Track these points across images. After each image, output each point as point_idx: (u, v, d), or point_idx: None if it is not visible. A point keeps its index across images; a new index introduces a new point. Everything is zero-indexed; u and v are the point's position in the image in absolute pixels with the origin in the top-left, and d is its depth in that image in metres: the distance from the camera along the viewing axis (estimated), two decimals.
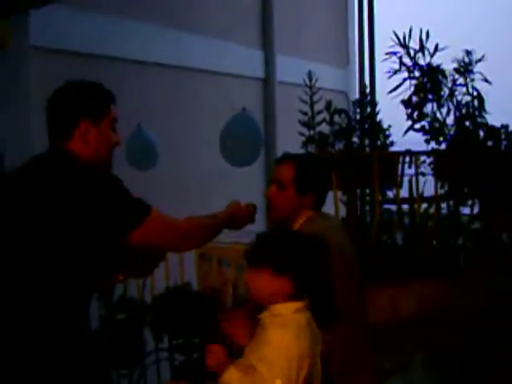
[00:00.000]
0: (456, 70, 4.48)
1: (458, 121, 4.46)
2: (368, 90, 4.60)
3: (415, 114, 4.41)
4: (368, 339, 2.64)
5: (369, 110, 4.41)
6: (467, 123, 4.46)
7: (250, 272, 2.14)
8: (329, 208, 3.58)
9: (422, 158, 4.47)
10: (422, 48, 4.43)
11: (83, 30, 5.76)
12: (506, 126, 4.37)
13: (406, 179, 4.40)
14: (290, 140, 4.57)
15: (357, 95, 5.13)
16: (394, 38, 4.45)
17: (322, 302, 2.22)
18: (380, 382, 2.71)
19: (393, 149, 4.42)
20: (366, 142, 4.38)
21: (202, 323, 3.59)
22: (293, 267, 2.11)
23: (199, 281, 3.77)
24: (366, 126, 4.32)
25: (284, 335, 2.08)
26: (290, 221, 2.56)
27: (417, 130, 4.46)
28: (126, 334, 3.88)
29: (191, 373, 3.54)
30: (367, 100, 4.46)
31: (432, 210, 4.48)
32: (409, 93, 4.40)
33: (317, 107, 4.32)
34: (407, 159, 4.32)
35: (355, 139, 4.26)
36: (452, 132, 4.46)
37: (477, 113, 4.47)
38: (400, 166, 4.32)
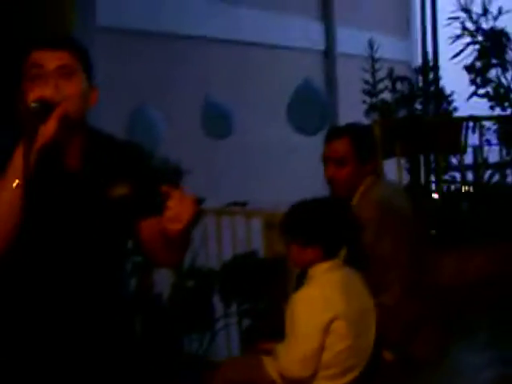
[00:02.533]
0: None
1: None
2: (430, 57, 4.57)
3: (479, 80, 4.36)
4: (432, 301, 2.67)
5: (431, 76, 4.38)
6: None
7: (285, 242, 2.25)
8: (392, 175, 3.62)
9: (487, 124, 4.42)
10: (484, 12, 4.36)
11: (144, 8, 5.88)
12: None
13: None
14: (352, 111, 4.59)
15: (419, 64, 5.09)
16: (456, 2, 4.39)
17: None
18: (447, 343, 2.74)
19: (456, 115, 4.39)
20: (429, 108, 4.36)
21: (268, 288, 3.70)
22: (320, 237, 2.19)
23: (265, 248, 3.86)
24: (429, 93, 4.30)
25: (306, 296, 2.18)
26: (353, 190, 2.57)
27: (481, 96, 4.41)
28: (196, 301, 4.02)
29: (259, 336, 3.65)
30: (429, 66, 4.43)
31: (497, 177, 4.44)
32: (472, 58, 4.35)
33: (378, 76, 4.33)
34: (471, 125, 4.29)
35: (418, 106, 4.25)
36: None
37: None
38: (464, 132, 4.29)
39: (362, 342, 2.23)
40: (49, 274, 1.72)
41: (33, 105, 1.56)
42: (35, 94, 1.58)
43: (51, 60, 1.65)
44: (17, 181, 1.54)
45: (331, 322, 2.14)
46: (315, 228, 2.20)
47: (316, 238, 2.19)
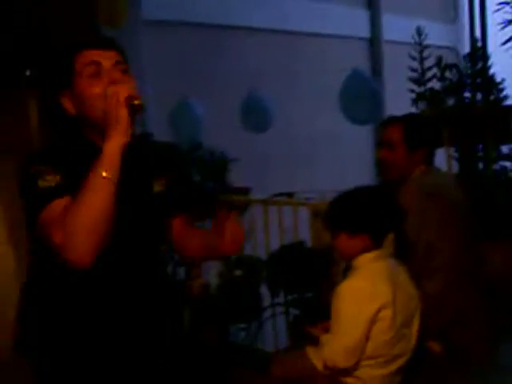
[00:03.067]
0: None
1: None
2: (479, 44, 4.48)
3: None
4: (481, 295, 2.64)
5: (481, 63, 4.30)
6: None
7: (330, 234, 2.26)
8: (441, 165, 3.57)
9: None
10: None
11: (188, 0, 5.92)
12: None
13: None
14: (398, 100, 4.55)
15: (467, 50, 4.99)
16: None
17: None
18: (495, 338, 2.71)
19: (507, 103, 4.29)
20: (479, 96, 4.28)
21: (316, 278, 3.71)
22: (368, 225, 2.19)
23: (313, 238, 3.86)
24: (478, 81, 4.22)
25: (350, 285, 2.18)
26: (404, 178, 2.61)
27: None
28: (244, 290, 4.05)
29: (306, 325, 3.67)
30: (479, 53, 4.34)
31: None
32: None
33: (426, 64, 4.27)
34: None
35: (467, 94, 4.18)
36: None
37: None
38: None
39: (407, 331, 2.24)
40: (113, 269, 1.78)
41: (136, 102, 1.61)
42: (122, 91, 1.61)
43: (107, 58, 1.71)
44: (111, 176, 1.58)
45: (378, 311, 2.15)
46: (363, 216, 2.21)
47: (364, 226, 2.20)
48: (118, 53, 1.77)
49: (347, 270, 2.55)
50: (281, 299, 4.00)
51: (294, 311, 3.94)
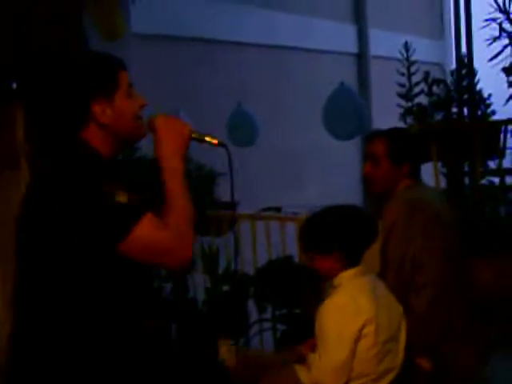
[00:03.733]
0: None
1: None
2: (466, 59, 4.51)
3: None
4: (471, 310, 2.62)
5: (467, 79, 4.33)
6: None
7: (306, 253, 2.26)
8: (429, 180, 3.58)
9: None
10: None
11: (177, 14, 5.92)
12: None
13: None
14: (386, 115, 4.56)
15: (454, 66, 5.03)
16: (493, 3, 4.32)
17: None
18: (484, 356, 2.69)
19: (494, 118, 4.32)
20: (466, 112, 4.31)
21: (304, 294, 3.69)
22: (336, 246, 2.19)
23: (300, 254, 3.84)
24: (466, 96, 4.24)
25: (333, 305, 2.16)
26: (390, 192, 2.62)
27: None
28: (231, 305, 4.02)
29: (293, 342, 3.64)
30: (465, 69, 4.37)
31: None
32: (510, 60, 4.27)
33: (414, 79, 4.29)
34: (510, 128, 4.22)
35: (454, 109, 4.20)
36: None
37: None
38: (502, 135, 4.23)
39: (393, 346, 2.22)
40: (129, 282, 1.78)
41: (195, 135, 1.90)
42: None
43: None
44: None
45: (362, 328, 2.13)
46: (330, 236, 2.20)
47: (332, 245, 2.19)
48: None
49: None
50: (268, 315, 3.97)
51: (281, 327, 3.91)
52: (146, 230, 1.65)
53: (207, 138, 1.92)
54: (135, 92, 1.85)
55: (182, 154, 1.83)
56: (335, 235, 2.20)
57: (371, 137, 2.74)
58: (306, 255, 2.29)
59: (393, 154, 2.60)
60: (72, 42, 4.07)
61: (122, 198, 1.67)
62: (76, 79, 1.77)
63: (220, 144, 1.92)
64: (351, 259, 2.21)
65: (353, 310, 2.13)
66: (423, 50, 8.20)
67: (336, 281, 2.24)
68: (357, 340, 2.13)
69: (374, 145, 2.65)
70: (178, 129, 1.85)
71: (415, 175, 2.66)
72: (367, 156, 2.68)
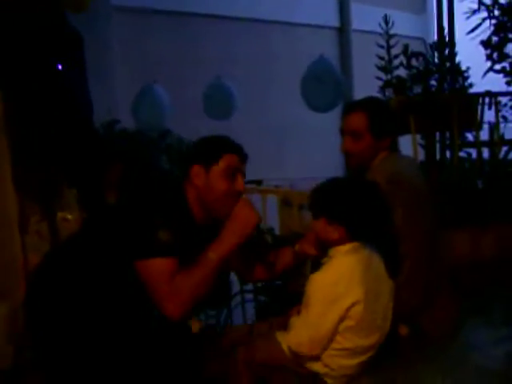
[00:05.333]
0: None
1: None
2: (446, 32, 4.53)
3: (495, 55, 4.32)
4: (444, 279, 2.67)
5: (447, 52, 4.35)
6: None
7: (311, 219, 2.26)
8: (407, 152, 3.61)
9: (503, 100, 4.39)
10: None
11: None
12: None
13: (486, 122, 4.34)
14: (366, 88, 4.58)
15: (434, 40, 5.05)
16: None
17: (382, 247, 2.30)
18: (458, 323, 2.76)
19: (472, 91, 4.36)
20: (445, 84, 4.34)
21: None
22: (345, 216, 2.19)
23: (281, 226, 3.88)
24: (444, 69, 4.27)
25: (323, 279, 2.18)
26: (368, 164, 2.57)
27: (497, 72, 4.37)
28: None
29: (274, 313, 3.69)
30: (445, 42, 4.39)
31: None
32: (488, 33, 4.30)
33: (393, 52, 4.31)
34: (487, 101, 4.26)
35: (433, 82, 4.23)
36: None
37: None
38: (480, 108, 4.26)
39: (379, 323, 2.24)
40: None
41: None
42: None
43: (242, 170, 2.24)
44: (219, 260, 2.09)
45: (348, 310, 2.14)
46: (343, 206, 2.19)
47: (342, 217, 2.19)
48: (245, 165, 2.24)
49: (316, 264, 2.55)
50: (250, 286, 4.01)
51: (262, 298, 3.96)
52: (157, 267, 1.98)
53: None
54: (239, 179, 2.15)
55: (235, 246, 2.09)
56: (349, 205, 2.18)
57: (350, 110, 2.55)
58: (312, 220, 2.28)
59: (374, 128, 2.48)
60: (49, 15, 4.02)
61: (164, 234, 1.99)
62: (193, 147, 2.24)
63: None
64: (354, 234, 2.22)
65: (342, 291, 2.13)
66: (405, 25, 8.20)
67: (331, 252, 2.24)
68: (342, 318, 2.15)
69: (354, 119, 2.50)
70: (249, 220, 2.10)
71: (393, 147, 2.64)
72: (346, 131, 2.53)
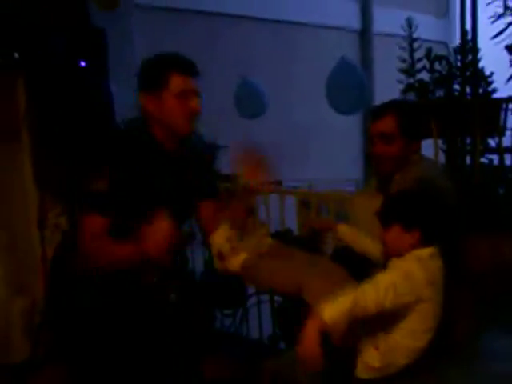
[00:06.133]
0: None
1: None
2: (469, 37, 4.49)
3: None
4: (467, 284, 2.64)
5: (470, 56, 4.31)
6: None
7: (383, 230, 2.22)
8: (429, 156, 3.58)
9: None
10: None
11: None
12: None
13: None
14: (388, 93, 4.56)
15: (457, 44, 5.01)
16: None
17: (449, 254, 2.26)
18: (477, 330, 2.73)
19: (495, 96, 4.32)
20: (468, 89, 4.30)
21: None
22: (420, 223, 2.17)
23: (299, 227, 3.86)
24: (468, 73, 4.23)
25: (410, 269, 2.11)
26: (399, 167, 2.48)
27: None
28: (229, 277, 4.05)
29: (290, 314, 3.68)
30: (468, 46, 4.36)
31: None
32: None
33: (416, 56, 4.29)
34: (511, 107, 4.22)
35: (456, 87, 4.20)
36: None
37: None
38: (503, 113, 4.22)
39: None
40: None
41: None
42: None
43: (192, 86, 2.13)
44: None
45: (416, 302, 2.10)
46: (418, 211, 2.16)
47: (417, 222, 2.17)
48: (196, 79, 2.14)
49: (336, 256, 2.53)
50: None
51: (278, 299, 3.95)
52: (85, 224, 2.01)
53: None
54: (194, 99, 2.09)
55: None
56: (423, 212, 2.16)
57: (380, 113, 2.48)
58: (383, 227, 2.25)
59: (406, 131, 2.43)
60: (74, 12, 4.05)
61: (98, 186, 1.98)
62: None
63: None
64: (428, 239, 2.21)
65: (419, 282, 2.08)
66: (427, 28, 8.13)
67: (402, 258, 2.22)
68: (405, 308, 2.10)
69: (386, 122, 2.44)
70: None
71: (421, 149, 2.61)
72: (377, 135, 2.46)
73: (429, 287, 2.10)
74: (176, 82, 2.07)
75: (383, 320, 2.12)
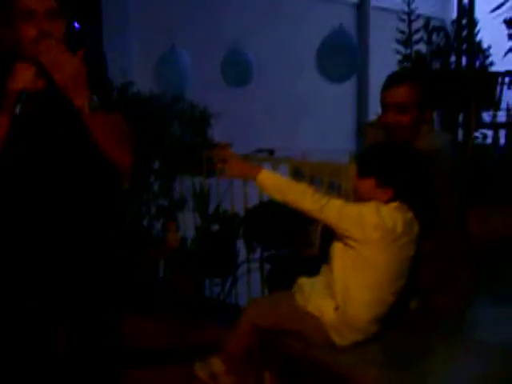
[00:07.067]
0: None
1: None
2: (467, 9, 4.45)
3: None
4: (465, 252, 2.65)
5: (467, 29, 4.28)
6: None
7: (357, 177, 2.24)
8: None
9: None
10: None
11: None
12: None
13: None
14: (383, 67, 4.53)
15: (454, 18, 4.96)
16: None
17: (421, 212, 2.28)
18: (470, 296, 2.75)
19: (492, 69, 4.29)
20: (465, 62, 4.27)
21: (292, 236, 3.71)
22: (395, 181, 2.19)
23: None
24: (465, 46, 4.20)
25: (366, 204, 2.19)
26: (412, 136, 2.47)
27: None
28: (220, 245, 4.05)
29: (281, 280, 3.68)
30: (465, 18, 4.32)
31: None
32: None
33: (414, 27, 4.24)
34: (507, 80, 4.20)
35: (453, 59, 4.17)
36: None
37: None
38: (499, 87, 4.21)
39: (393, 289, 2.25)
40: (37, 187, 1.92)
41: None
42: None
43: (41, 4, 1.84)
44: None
45: (363, 243, 2.17)
46: (397, 169, 2.20)
47: (394, 180, 2.19)
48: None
49: (325, 232, 2.54)
50: (257, 255, 4.01)
51: (268, 268, 3.95)
52: None
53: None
54: (39, 18, 1.82)
55: None
56: (402, 169, 2.20)
57: (395, 82, 2.45)
58: (359, 175, 2.26)
59: (420, 101, 2.42)
60: None
61: None
62: None
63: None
64: (401, 197, 2.22)
65: (367, 223, 2.16)
66: (425, 2, 8.08)
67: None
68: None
69: (400, 92, 2.41)
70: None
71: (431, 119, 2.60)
72: (391, 104, 2.43)
73: (377, 232, 2.14)
74: (19, 2, 1.83)
75: (343, 279, 2.22)
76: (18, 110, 1.81)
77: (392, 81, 2.48)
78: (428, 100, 2.47)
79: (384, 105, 2.47)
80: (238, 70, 5.08)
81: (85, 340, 2.05)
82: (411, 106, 2.42)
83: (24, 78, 1.79)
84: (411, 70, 2.57)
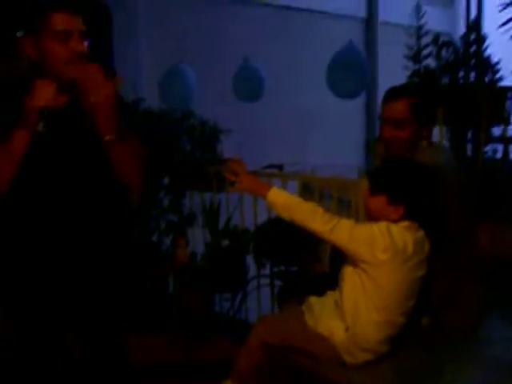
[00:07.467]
0: None
1: None
2: (475, 26, 4.46)
3: None
4: (475, 268, 2.63)
5: (476, 44, 4.28)
6: None
7: (369, 194, 2.24)
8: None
9: None
10: None
11: None
12: None
13: None
14: (391, 80, 4.54)
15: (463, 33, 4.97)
16: None
17: (433, 230, 2.28)
18: (481, 313, 2.73)
19: (501, 84, 4.28)
20: (473, 77, 4.27)
21: (302, 252, 3.71)
22: (406, 198, 2.18)
23: None
24: (473, 62, 4.20)
25: (377, 224, 2.18)
26: (409, 152, 2.46)
27: None
28: (230, 260, 4.05)
29: (291, 297, 3.67)
30: (473, 34, 4.33)
31: None
32: None
33: (422, 43, 4.25)
34: None
35: (462, 74, 4.16)
36: None
37: None
38: (508, 102, 4.19)
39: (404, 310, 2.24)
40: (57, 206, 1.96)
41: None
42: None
43: (75, 25, 1.88)
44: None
45: (370, 264, 2.17)
46: (409, 187, 2.20)
47: (405, 197, 2.18)
48: (81, 18, 1.91)
49: (335, 252, 2.54)
50: (267, 271, 4.00)
51: (278, 283, 3.95)
52: None
53: None
54: (75, 38, 1.86)
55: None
56: (414, 187, 2.20)
57: (393, 97, 2.45)
58: (369, 196, 2.26)
59: (418, 116, 2.41)
60: None
61: None
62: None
63: None
64: (412, 216, 2.21)
65: (377, 244, 2.16)
66: (433, 18, 8.10)
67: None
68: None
69: (398, 107, 2.41)
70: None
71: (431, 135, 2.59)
72: (389, 119, 2.43)
73: (387, 254, 2.13)
74: (55, 21, 1.85)
75: (352, 300, 2.22)
76: (41, 127, 1.83)
77: (390, 95, 2.47)
78: (429, 115, 2.46)
79: (382, 119, 2.47)
80: (250, 86, 5.09)
81: (91, 349, 2.10)
82: (408, 122, 2.40)
83: (45, 95, 1.82)
84: (412, 85, 2.55)
